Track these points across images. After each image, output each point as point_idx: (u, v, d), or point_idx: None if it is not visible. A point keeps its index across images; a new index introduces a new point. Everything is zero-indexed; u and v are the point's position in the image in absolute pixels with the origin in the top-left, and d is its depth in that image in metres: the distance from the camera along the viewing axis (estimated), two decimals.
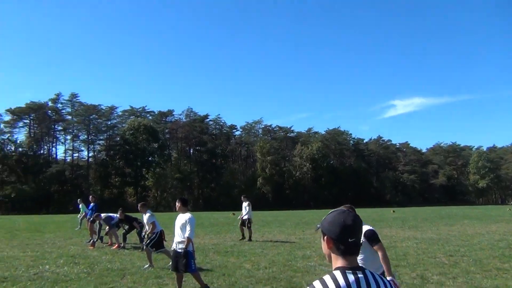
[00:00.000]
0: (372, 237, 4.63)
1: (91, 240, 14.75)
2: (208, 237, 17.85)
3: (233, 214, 37.42)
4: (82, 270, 9.89)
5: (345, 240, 1.91)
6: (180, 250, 7.47)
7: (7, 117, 71.68)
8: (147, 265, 10.20)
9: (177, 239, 7.56)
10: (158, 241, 10.47)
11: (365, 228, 4.58)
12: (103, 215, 14.94)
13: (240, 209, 17.53)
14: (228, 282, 8.57)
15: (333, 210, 2.05)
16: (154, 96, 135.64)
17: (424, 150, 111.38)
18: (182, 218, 7.57)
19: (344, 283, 1.84)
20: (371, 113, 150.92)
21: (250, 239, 16.21)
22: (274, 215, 38.93)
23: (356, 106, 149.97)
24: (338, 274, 1.88)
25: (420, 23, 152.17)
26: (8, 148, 68.84)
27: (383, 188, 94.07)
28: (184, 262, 7.39)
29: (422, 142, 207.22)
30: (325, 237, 1.98)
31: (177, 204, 7.73)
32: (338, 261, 1.94)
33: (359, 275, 1.89)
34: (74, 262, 10.98)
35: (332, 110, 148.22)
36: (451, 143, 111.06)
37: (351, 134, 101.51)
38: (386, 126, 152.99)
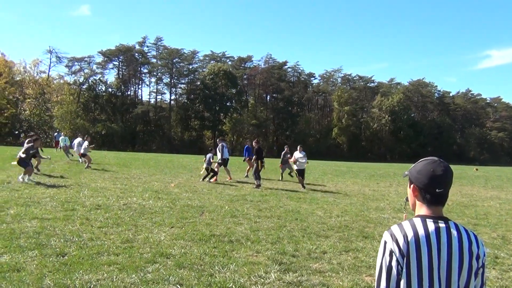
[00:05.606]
0: None
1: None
2: (281, 183, 18.27)
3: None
4: (165, 204, 10.68)
5: (433, 190, 1.87)
6: None
7: (99, 59, 76.42)
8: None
9: None
10: None
11: None
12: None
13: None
14: (300, 226, 8.82)
15: (423, 158, 1.99)
16: (235, 42, 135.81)
17: None
18: None
19: (423, 231, 1.82)
20: (462, 63, 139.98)
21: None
22: (348, 166, 38.61)
23: (445, 55, 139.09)
24: (417, 222, 1.87)
25: None
26: (99, 88, 73.73)
27: (467, 145, 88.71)
28: None
29: None
30: (412, 185, 1.96)
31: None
32: (421, 210, 1.92)
33: (441, 225, 1.85)
34: (157, 197, 11.85)
35: (417, 59, 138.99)
36: None
37: (436, 86, 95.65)
38: (477, 78, 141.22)
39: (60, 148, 27.73)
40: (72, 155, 24.27)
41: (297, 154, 16.29)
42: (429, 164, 1.91)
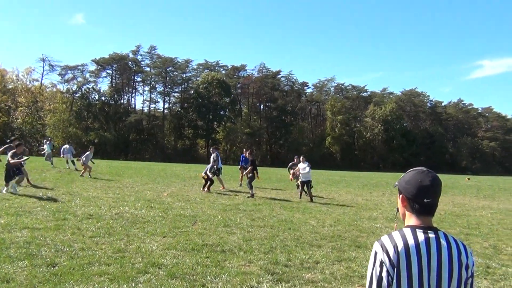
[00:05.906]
0: None
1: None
2: (274, 192, 18.26)
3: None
4: (158, 214, 10.62)
5: (421, 200, 1.88)
6: None
7: (92, 67, 76.36)
8: None
9: None
10: None
11: None
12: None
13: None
14: (293, 236, 8.80)
15: (412, 169, 2.00)
16: (228, 51, 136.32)
17: (509, 116, 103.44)
18: None
19: (413, 242, 1.83)
20: (454, 73, 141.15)
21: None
22: (341, 175, 38.69)
23: (438, 65, 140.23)
24: (407, 232, 1.87)
25: None
26: (92, 96, 73.57)
27: (459, 155, 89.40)
28: None
29: (509, 107, 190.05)
30: (401, 195, 1.97)
31: None
32: (411, 220, 1.93)
33: (430, 235, 1.86)
34: (150, 206, 11.77)
35: (410, 69, 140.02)
36: None
37: (428, 96, 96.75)
38: (470, 88, 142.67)
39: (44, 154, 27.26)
40: (52, 163, 24.15)
41: (301, 165, 16.20)
42: (417, 174, 1.93)
